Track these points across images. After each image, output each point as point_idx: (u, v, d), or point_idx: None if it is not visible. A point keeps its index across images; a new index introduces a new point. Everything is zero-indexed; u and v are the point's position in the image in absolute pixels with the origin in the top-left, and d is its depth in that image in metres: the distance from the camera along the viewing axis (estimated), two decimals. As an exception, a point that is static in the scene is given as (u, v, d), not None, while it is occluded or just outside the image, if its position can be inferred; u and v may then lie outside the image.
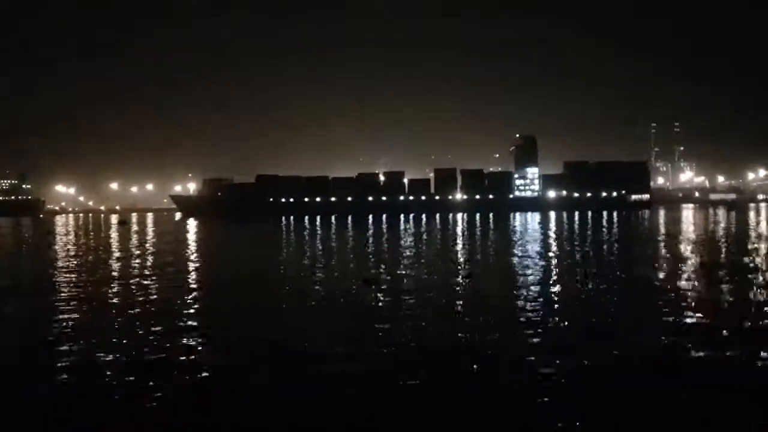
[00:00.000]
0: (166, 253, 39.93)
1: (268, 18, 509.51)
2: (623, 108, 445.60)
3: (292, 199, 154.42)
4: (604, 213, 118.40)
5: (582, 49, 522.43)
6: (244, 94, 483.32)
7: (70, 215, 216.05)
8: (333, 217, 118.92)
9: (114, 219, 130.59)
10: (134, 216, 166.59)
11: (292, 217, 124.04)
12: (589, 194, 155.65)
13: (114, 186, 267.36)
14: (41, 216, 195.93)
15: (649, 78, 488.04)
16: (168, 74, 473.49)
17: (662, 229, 59.82)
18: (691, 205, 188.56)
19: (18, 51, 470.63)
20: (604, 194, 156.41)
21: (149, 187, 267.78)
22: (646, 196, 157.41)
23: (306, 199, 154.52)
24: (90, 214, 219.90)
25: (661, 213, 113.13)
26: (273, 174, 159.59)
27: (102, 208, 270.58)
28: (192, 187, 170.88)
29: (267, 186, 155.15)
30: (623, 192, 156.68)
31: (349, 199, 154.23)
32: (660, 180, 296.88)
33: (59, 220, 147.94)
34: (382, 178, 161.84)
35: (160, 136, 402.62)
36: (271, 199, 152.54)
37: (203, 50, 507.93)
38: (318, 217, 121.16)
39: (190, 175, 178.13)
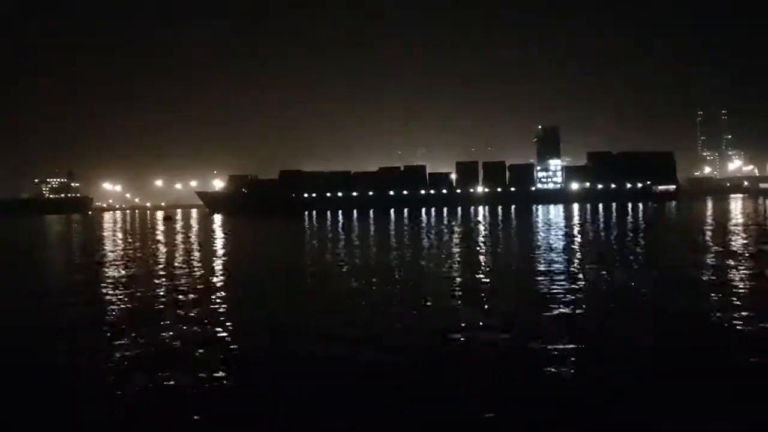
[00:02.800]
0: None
1: (297, 12, 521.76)
2: (656, 96, 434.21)
3: (314, 195, 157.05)
4: (629, 205, 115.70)
5: (617, 34, 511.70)
6: (280, 91, 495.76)
7: (117, 212, 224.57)
8: (355, 212, 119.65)
9: (159, 215, 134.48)
10: (179, 212, 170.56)
11: (314, 212, 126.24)
12: (613, 185, 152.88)
13: (159, 183, 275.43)
14: (89, 213, 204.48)
15: (682, 64, 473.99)
16: (204, 73, 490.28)
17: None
18: (739, 195, 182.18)
19: (64, 51, 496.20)
20: (629, 185, 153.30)
21: (193, 183, 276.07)
22: (673, 187, 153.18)
23: (328, 194, 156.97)
24: (136, 211, 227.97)
25: (709, 204, 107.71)
26: (296, 170, 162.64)
27: (148, 204, 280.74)
28: (218, 183, 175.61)
29: (290, 182, 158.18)
30: (648, 183, 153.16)
31: (371, 193, 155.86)
32: (707, 169, 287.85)
33: (107, 216, 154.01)
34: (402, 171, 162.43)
35: (202, 134, 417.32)
36: (294, 195, 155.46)
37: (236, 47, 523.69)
38: (340, 212, 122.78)
39: (215, 171, 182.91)
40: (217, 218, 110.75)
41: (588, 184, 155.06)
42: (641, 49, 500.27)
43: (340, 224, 70.94)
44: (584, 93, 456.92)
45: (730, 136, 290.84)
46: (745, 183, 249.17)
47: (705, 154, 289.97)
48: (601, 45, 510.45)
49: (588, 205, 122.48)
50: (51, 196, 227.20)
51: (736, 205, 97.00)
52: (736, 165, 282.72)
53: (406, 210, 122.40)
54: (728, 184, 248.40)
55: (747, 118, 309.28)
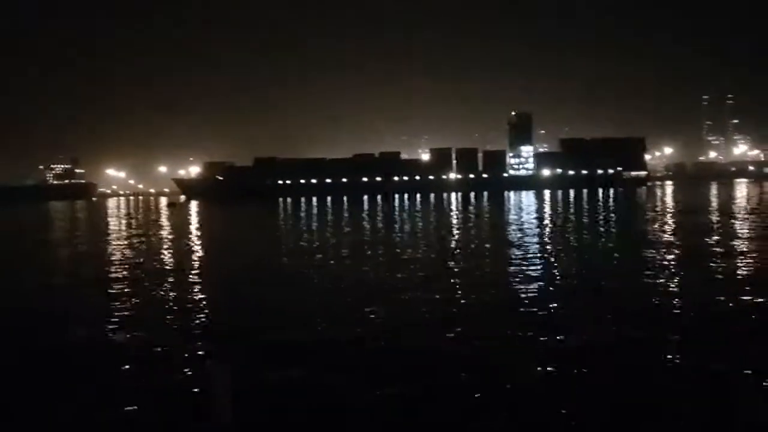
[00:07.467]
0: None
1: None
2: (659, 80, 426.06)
3: (289, 181, 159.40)
4: (600, 191, 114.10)
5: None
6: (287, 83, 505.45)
7: (122, 198, 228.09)
8: (329, 199, 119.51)
9: (163, 201, 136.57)
10: (183, 198, 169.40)
11: (289, 199, 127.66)
12: (584, 172, 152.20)
13: (163, 169, 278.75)
14: (94, 199, 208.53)
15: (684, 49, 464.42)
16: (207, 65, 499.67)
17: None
18: (744, 180, 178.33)
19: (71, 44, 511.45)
20: (600, 172, 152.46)
21: (195, 169, 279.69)
22: (643, 173, 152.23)
23: (302, 181, 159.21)
24: (140, 197, 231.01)
25: (713, 187, 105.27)
26: (270, 156, 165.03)
27: (152, 191, 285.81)
28: (195, 170, 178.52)
29: (264, 169, 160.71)
30: (619, 169, 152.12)
31: (344, 180, 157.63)
32: (712, 154, 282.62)
33: (111, 202, 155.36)
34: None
35: (208, 121, 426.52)
36: (268, 182, 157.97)
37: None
38: (314, 199, 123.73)
39: (191, 159, 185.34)
40: (193, 205, 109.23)
41: (560, 170, 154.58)
42: (643, 35, 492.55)
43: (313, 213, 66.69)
44: (581, 77, 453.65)
45: (736, 121, 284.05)
46: (751, 168, 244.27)
47: (710, 138, 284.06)
48: (602, 29, 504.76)
49: (560, 192, 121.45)
50: (55, 182, 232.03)
51: (738, 190, 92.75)
52: (741, 150, 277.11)
53: (379, 197, 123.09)
54: (733, 169, 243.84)
55: (755, 103, 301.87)
